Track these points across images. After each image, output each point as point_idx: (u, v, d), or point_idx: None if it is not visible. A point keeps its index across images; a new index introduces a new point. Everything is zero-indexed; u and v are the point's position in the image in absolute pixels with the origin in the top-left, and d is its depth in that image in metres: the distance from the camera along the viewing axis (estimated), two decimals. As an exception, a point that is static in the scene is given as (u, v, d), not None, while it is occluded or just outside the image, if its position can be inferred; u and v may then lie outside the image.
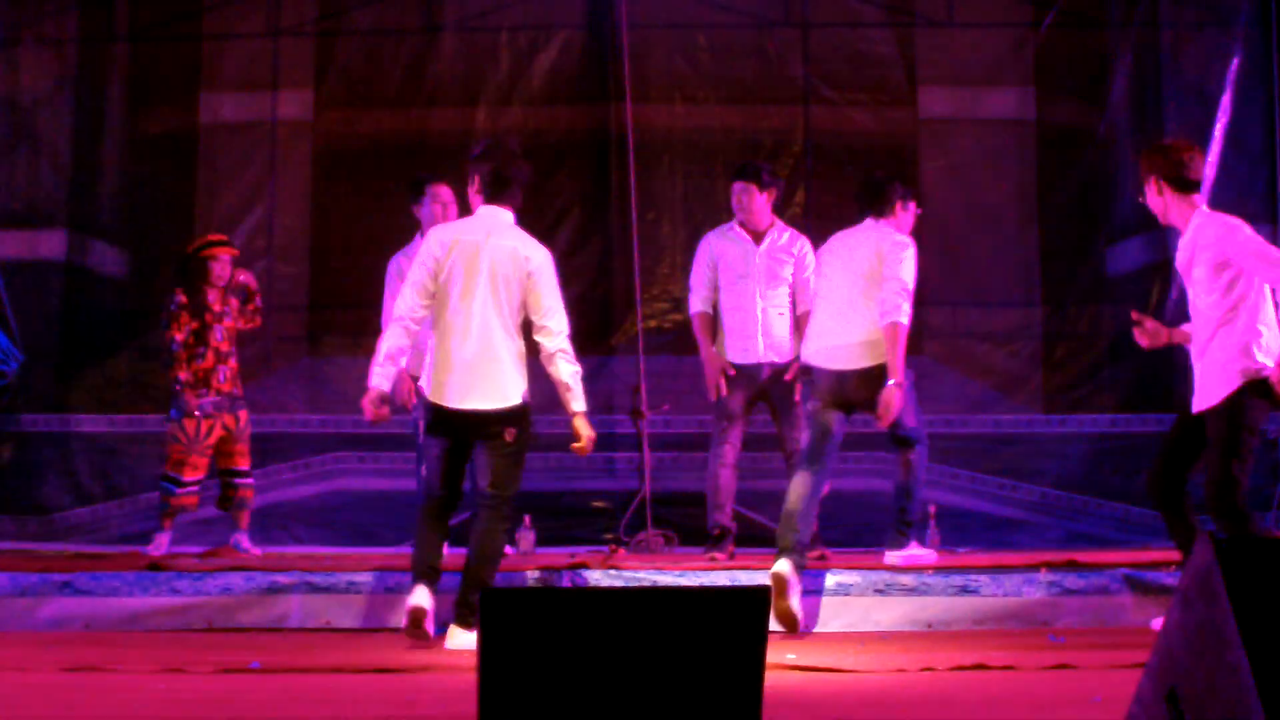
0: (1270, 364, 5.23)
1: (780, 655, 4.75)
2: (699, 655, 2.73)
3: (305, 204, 8.60)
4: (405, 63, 8.62)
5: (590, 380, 7.95)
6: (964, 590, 5.91)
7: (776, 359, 6.66)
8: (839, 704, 4.04)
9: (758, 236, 6.74)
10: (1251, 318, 5.29)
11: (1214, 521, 5.29)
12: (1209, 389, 5.35)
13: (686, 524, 7.38)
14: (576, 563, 6.17)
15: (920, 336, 7.56)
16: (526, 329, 5.42)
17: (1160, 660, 2.75)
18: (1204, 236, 5.36)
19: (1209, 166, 7.99)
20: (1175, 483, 5.39)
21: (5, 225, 8.44)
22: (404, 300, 5.38)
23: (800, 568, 5.70)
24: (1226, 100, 8.26)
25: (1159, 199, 5.44)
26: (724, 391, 6.67)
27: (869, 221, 6.29)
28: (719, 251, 6.80)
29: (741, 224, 6.77)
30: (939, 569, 6.06)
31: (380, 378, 5.35)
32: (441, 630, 5.32)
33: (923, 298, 6.44)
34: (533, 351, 5.45)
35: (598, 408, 8.18)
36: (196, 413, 6.90)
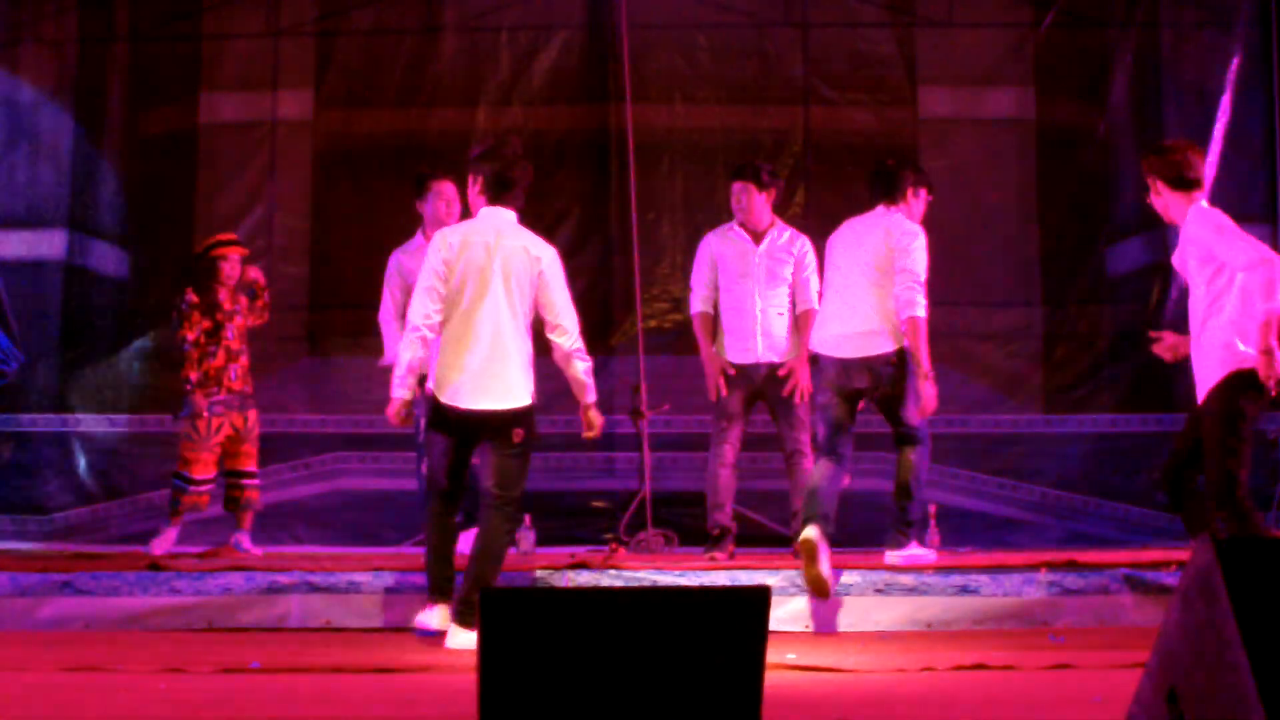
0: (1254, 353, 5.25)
1: (780, 655, 4.75)
2: (699, 655, 2.73)
3: (305, 204, 8.60)
4: (405, 63, 8.62)
5: (590, 380, 8.00)
6: (964, 590, 5.91)
7: (775, 359, 6.66)
8: (839, 704, 4.04)
9: (757, 236, 6.75)
10: (1237, 310, 5.34)
11: (1218, 517, 5.32)
12: (1201, 383, 5.41)
13: (686, 524, 7.38)
14: (576, 563, 6.18)
15: (920, 336, 7.57)
16: (533, 328, 5.44)
17: (1160, 660, 2.75)
18: (1189, 231, 5.43)
19: (1209, 166, 7.99)
20: (1186, 480, 5.44)
21: (5, 225, 8.44)
22: (418, 308, 5.35)
23: (828, 535, 5.78)
24: (1226, 100, 8.26)
25: (1159, 199, 5.55)
26: (724, 391, 6.68)
27: (880, 209, 6.36)
28: (719, 252, 6.80)
29: (741, 224, 6.77)
30: (939, 569, 6.06)
31: (403, 388, 5.35)
32: (443, 629, 5.33)
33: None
34: (540, 351, 5.46)
35: (597, 407, 8.20)
36: (206, 413, 6.91)
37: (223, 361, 7.00)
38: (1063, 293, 8.40)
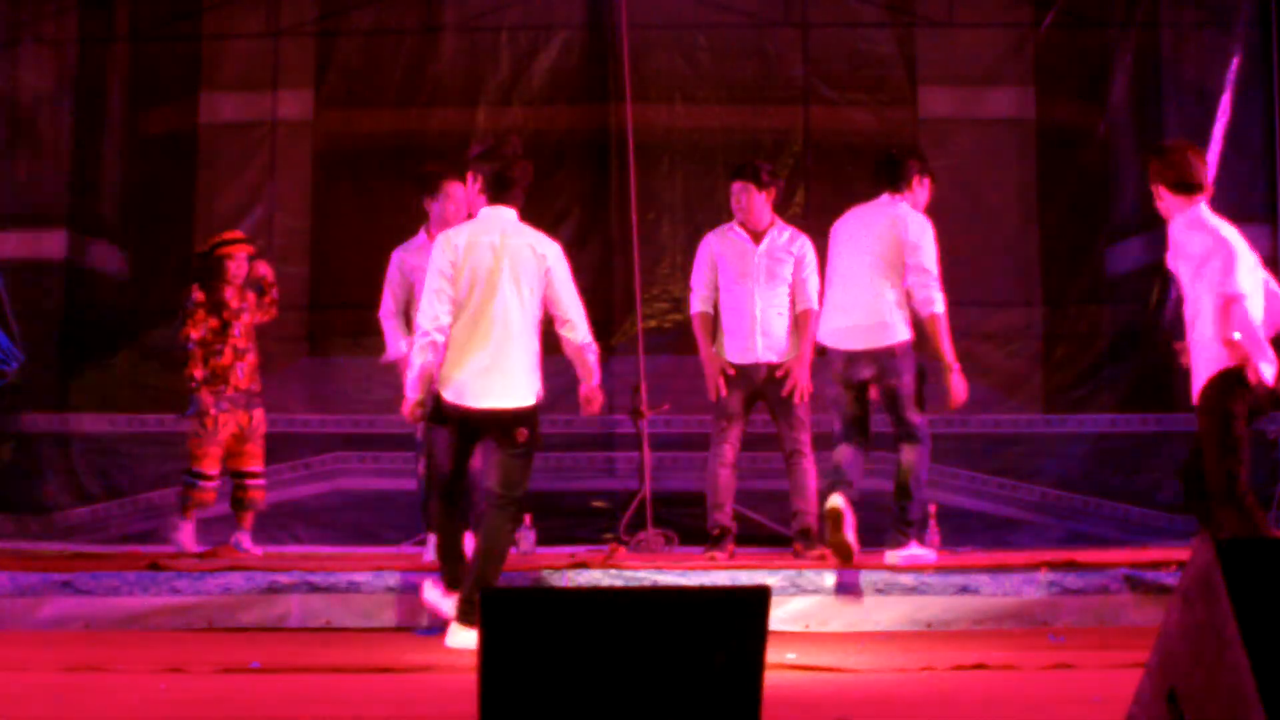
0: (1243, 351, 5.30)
1: (780, 655, 4.75)
2: (699, 655, 2.73)
3: (305, 204, 8.60)
4: (405, 63, 8.62)
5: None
6: (964, 590, 5.91)
7: (774, 359, 6.65)
8: (839, 704, 4.04)
9: (757, 236, 6.74)
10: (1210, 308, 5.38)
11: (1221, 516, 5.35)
12: (1195, 384, 5.46)
13: (686, 524, 7.38)
14: (576, 562, 6.18)
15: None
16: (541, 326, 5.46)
17: (1160, 660, 2.75)
18: (1172, 233, 5.55)
19: (1209, 166, 7.99)
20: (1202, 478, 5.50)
21: (5, 225, 8.44)
22: (426, 311, 5.34)
23: (853, 501, 6.01)
24: (1226, 100, 8.26)
25: (1162, 203, 5.62)
26: (723, 392, 6.68)
27: (886, 197, 6.40)
28: (719, 251, 6.80)
29: (741, 224, 6.77)
30: (939, 569, 6.06)
31: (416, 391, 5.34)
32: (443, 629, 5.34)
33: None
34: (544, 349, 5.47)
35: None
36: (213, 409, 6.92)
37: (230, 360, 7.01)
38: (1063, 293, 8.40)
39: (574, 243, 8.12)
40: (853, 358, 6.28)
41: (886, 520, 6.41)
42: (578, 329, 5.45)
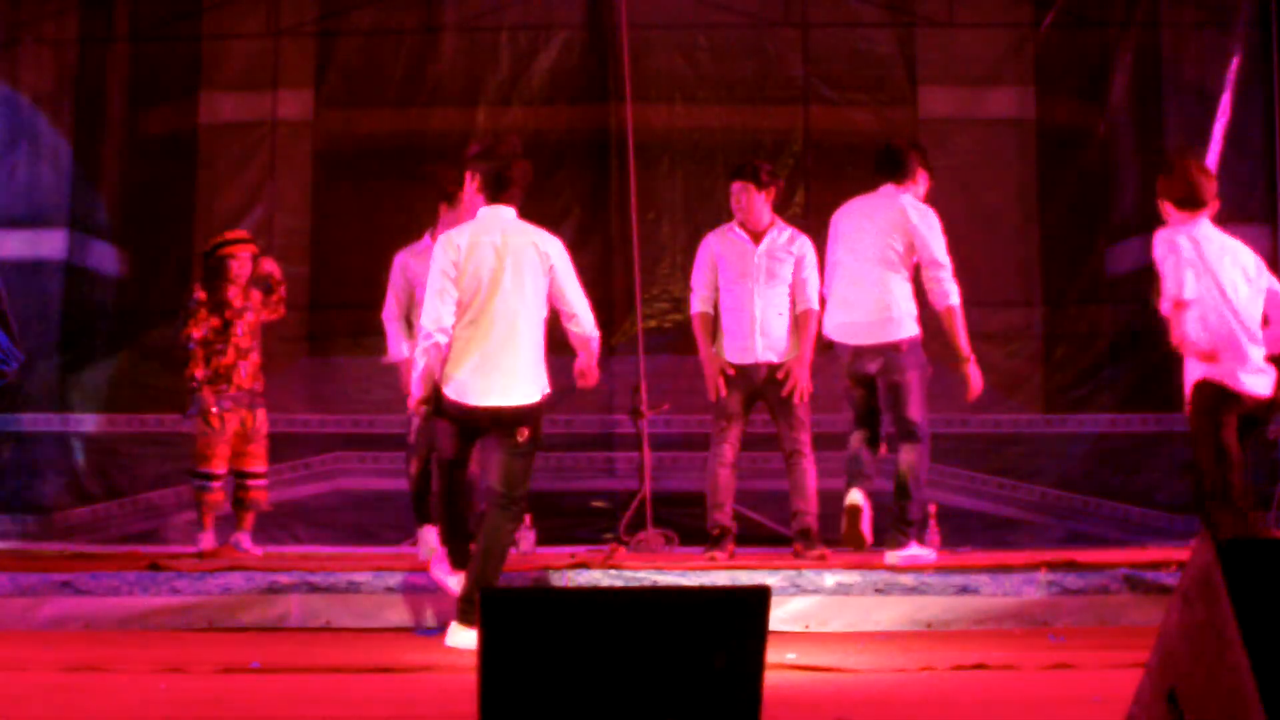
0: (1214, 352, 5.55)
1: (780, 655, 4.75)
2: (699, 655, 2.73)
3: (305, 204, 8.60)
4: (405, 63, 8.62)
5: (591, 379, 7.99)
6: (964, 590, 5.91)
7: (774, 359, 6.65)
8: (839, 704, 4.03)
9: (757, 236, 6.73)
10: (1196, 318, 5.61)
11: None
12: (1185, 389, 5.66)
13: (686, 524, 7.38)
14: (576, 563, 6.18)
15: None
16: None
17: (1160, 660, 2.75)
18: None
19: (1212, 174, 7.99)
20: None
21: (5, 225, 8.43)
22: (430, 312, 5.34)
23: (869, 492, 6.19)
24: (1226, 100, 8.26)
25: (1169, 217, 5.82)
26: (723, 392, 6.68)
27: (889, 188, 6.41)
28: (719, 252, 6.79)
29: (741, 224, 6.77)
30: (939, 569, 6.06)
31: (421, 388, 5.35)
32: (443, 628, 5.34)
33: (918, 297, 6.46)
34: (548, 350, 5.48)
35: (598, 407, 8.21)
36: (214, 409, 6.92)
37: (232, 359, 7.00)
38: (1063, 293, 8.41)
39: (574, 243, 8.08)
40: (859, 352, 6.34)
41: (886, 520, 6.41)
42: (583, 322, 5.47)
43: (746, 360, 6.66)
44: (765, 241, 6.72)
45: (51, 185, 8.52)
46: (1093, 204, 8.46)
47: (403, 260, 6.82)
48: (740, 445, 6.72)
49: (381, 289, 6.95)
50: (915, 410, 6.28)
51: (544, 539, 7.28)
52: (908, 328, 6.30)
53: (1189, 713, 2.63)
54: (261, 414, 7.10)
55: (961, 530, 7.66)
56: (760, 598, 2.82)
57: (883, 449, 6.46)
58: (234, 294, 7.06)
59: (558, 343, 5.59)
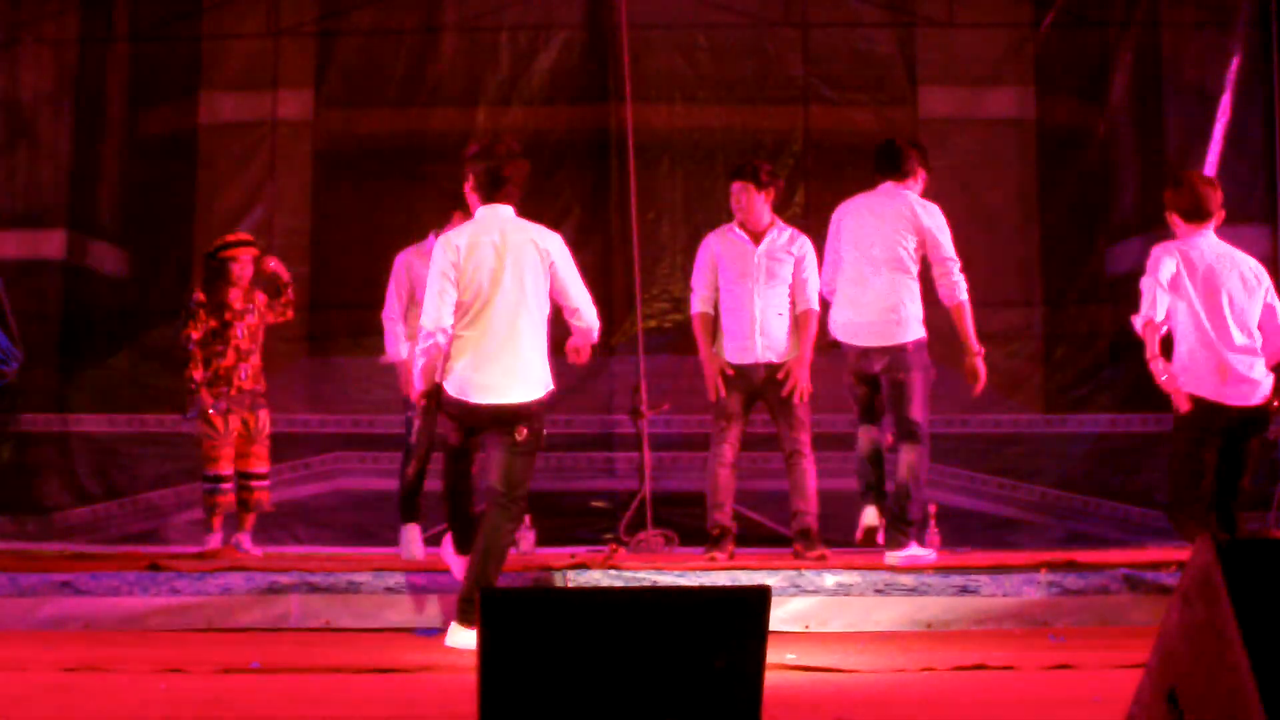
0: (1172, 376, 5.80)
1: (780, 655, 4.75)
2: (699, 655, 2.73)
3: (305, 204, 8.60)
4: (405, 63, 8.62)
5: (590, 380, 8.00)
6: (964, 590, 5.91)
7: (774, 359, 6.64)
8: (839, 704, 4.03)
9: (757, 237, 6.73)
10: (1178, 336, 5.88)
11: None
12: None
13: (686, 524, 7.38)
14: (576, 563, 6.17)
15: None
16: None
17: (1160, 660, 2.75)
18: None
19: (1209, 167, 8.00)
20: (1225, 489, 5.73)
21: (5, 225, 8.43)
22: (430, 312, 5.34)
23: (881, 506, 6.34)
24: (1226, 100, 8.26)
25: (1176, 229, 5.96)
26: (723, 392, 6.67)
27: (889, 185, 6.43)
28: (719, 252, 6.79)
29: (741, 224, 6.76)
30: (939, 569, 6.06)
31: (422, 384, 5.38)
32: (443, 628, 5.34)
33: (924, 297, 6.47)
34: (553, 350, 5.48)
35: (598, 407, 8.21)
36: (212, 411, 6.92)
37: (233, 361, 7.00)
38: (1063, 293, 8.41)
39: (574, 242, 8.06)
40: (865, 352, 6.35)
41: (886, 520, 6.41)
42: (585, 316, 5.50)
43: (746, 360, 6.66)
44: (765, 242, 6.72)
45: (51, 185, 8.52)
46: (1093, 204, 8.46)
47: (406, 259, 6.81)
48: (740, 445, 6.72)
49: (381, 289, 6.95)
50: (918, 410, 6.28)
51: (544, 539, 7.28)
52: (914, 330, 6.31)
53: (1189, 713, 2.64)
54: (264, 415, 7.09)
55: (961, 530, 7.66)
56: (760, 598, 2.82)
57: (888, 438, 6.47)
58: (235, 296, 7.05)
59: (558, 344, 5.59)
